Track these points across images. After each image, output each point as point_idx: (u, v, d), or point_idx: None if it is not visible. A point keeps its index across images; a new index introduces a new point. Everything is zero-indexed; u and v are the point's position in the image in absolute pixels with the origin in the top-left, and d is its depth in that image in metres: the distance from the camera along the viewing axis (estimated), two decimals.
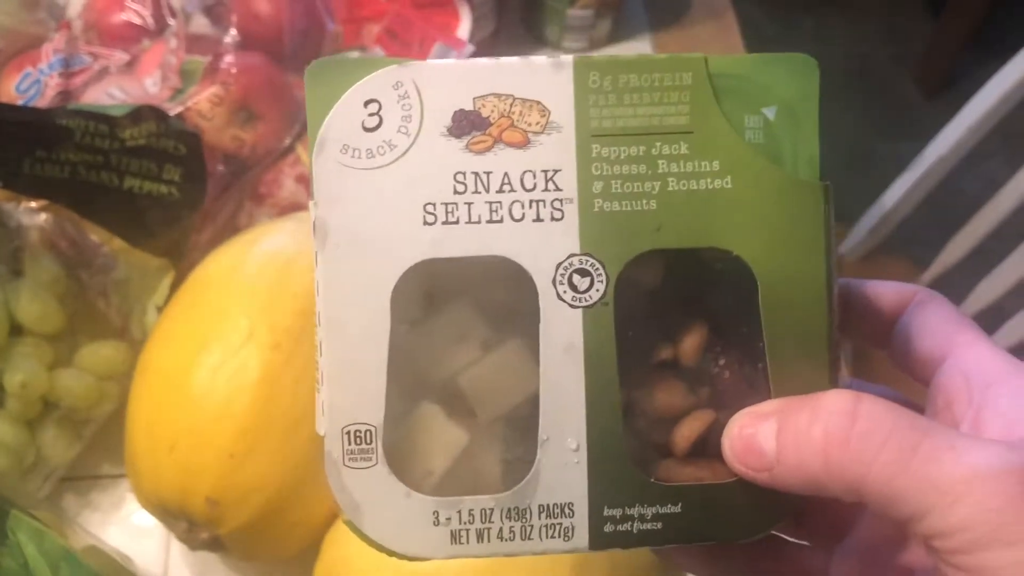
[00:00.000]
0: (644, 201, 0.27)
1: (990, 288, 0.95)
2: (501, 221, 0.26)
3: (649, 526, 0.27)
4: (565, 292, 0.26)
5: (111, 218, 0.52)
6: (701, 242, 0.27)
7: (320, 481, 0.46)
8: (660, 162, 0.27)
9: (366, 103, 0.26)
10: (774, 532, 0.29)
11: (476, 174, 0.26)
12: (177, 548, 0.53)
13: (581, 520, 0.27)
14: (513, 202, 0.26)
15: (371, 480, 0.27)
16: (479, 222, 0.26)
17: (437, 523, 0.27)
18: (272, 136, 0.60)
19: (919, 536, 0.23)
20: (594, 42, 0.77)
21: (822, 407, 0.25)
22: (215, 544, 0.46)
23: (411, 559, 0.27)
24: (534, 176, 0.26)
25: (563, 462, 0.27)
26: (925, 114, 1.77)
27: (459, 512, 0.27)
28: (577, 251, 0.26)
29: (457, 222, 0.26)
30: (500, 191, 0.26)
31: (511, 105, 0.26)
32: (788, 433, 0.25)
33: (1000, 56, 0.89)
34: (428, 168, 0.26)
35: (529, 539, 0.27)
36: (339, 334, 0.26)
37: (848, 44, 1.92)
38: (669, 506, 0.27)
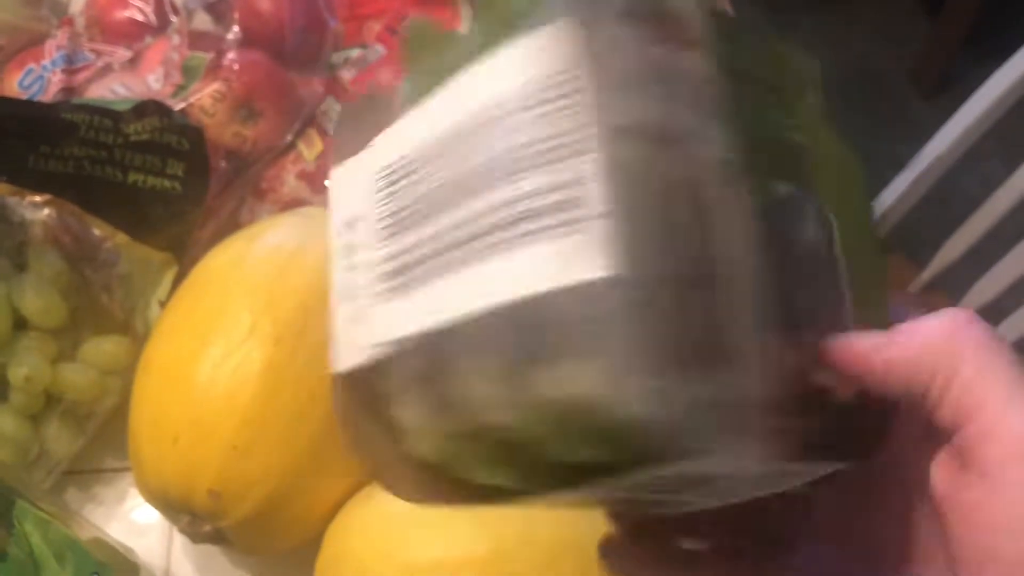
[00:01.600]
0: None
1: (988, 287, 0.95)
2: None
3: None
4: None
5: (114, 213, 0.52)
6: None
7: (322, 473, 0.47)
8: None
9: None
10: None
11: None
12: (179, 541, 0.53)
13: None
14: None
15: None
16: None
17: None
18: (274, 133, 0.61)
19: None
20: None
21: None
22: (217, 537, 0.47)
23: None
24: None
25: None
26: (922, 114, 1.78)
27: None
28: None
29: None
30: None
31: None
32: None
33: (997, 56, 0.89)
34: None
35: None
36: None
37: (845, 45, 1.93)
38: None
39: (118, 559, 0.46)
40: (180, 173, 0.52)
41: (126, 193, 0.52)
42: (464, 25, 0.66)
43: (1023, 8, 1.72)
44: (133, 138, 0.51)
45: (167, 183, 0.52)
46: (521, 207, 0.23)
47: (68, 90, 0.60)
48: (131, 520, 0.54)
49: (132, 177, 0.52)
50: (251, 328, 0.46)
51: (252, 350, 0.45)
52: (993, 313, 0.95)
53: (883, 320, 0.27)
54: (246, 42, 0.61)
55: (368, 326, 0.26)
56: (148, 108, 0.51)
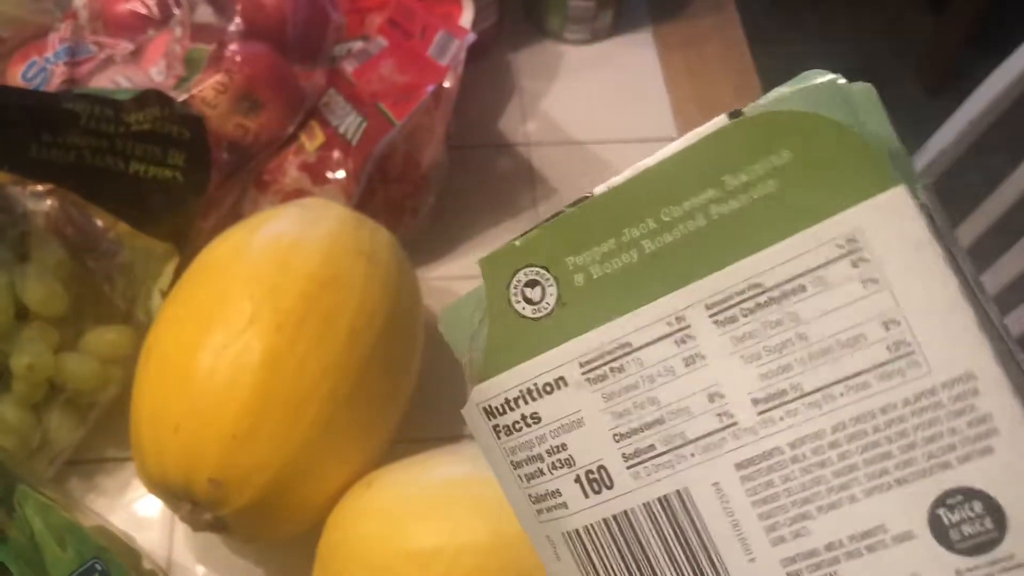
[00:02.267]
0: None
1: (992, 281, 0.95)
2: None
3: None
4: None
5: (116, 203, 0.52)
6: None
7: (323, 461, 0.47)
8: None
9: None
10: None
11: None
12: (181, 530, 0.54)
13: None
14: None
15: None
16: None
17: None
18: (276, 124, 0.61)
19: None
20: (596, 34, 0.77)
21: None
22: (218, 525, 0.47)
23: None
24: None
25: None
26: (927, 110, 1.78)
27: None
28: None
29: None
30: None
31: None
32: None
33: (1002, 52, 0.89)
34: None
35: None
36: None
37: (851, 41, 1.92)
38: None
39: (120, 545, 0.46)
40: (181, 163, 0.53)
41: (127, 183, 0.52)
42: (466, 16, 0.66)
43: None
44: (134, 128, 0.51)
45: (168, 173, 0.53)
46: None
47: (71, 82, 0.61)
48: (133, 510, 0.54)
49: (133, 167, 0.52)
50: (252, 317, 0.46)
51: (252, 339, 0.45)
52: (998, 308, 0.94)
53: None
54: (248, 34, 0.61)
55: None
56: (149, 98, 0.51)
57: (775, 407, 0.22)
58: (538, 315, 0.24)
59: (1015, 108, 0.88)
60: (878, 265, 0.21)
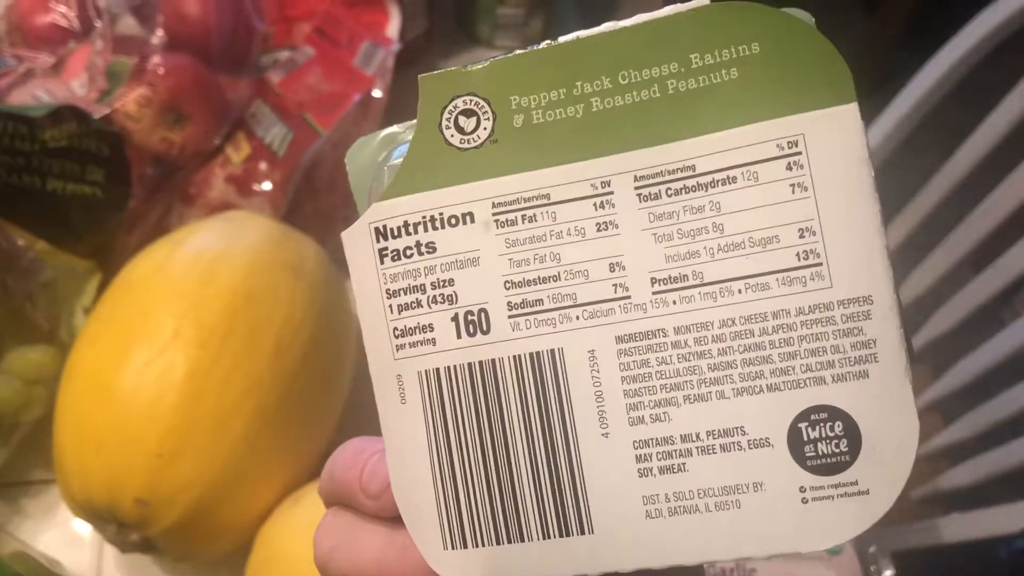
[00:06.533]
0: None
1: (920, 280, 0.96)
2: None
3: None
4: None
5: (35, 221, 0.51)
6: None
7: (250, 479, 0.46)
8: None
9: None
10: None
11: None
12: (110, 552, 0.53)
13: None
14: None
15: None
16: None
17: None
18: (201, 137, 0.60)
19: None
20: (527, 41, 0.78)
21: None
22: (146, 545, 0.46)
23: None
24: None
25: None
26: (862, 110, 1.80)
27: None
28: None
29: None
30: None
31: None
32: None
33: (936, 50, 0.91)
34: None
35: None
36: None
37: None
38: None
39: (42, 571, 0.45)
40: (100, 179, 0.52)
41: (46, 200, 0.51)
42: (392, 26, 0.65)
43: (960, 5, 1.75)
44: (51, 144, 0.50)
45: (87, 189, 0.52)
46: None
47: None
48: (60, 533, 0.53)
49: (51, 184, 0.51)
50: (175, 333, 0.45)
51: (176, 355, 0.45)
52: (926, 305, 0.96)
53: None
54: (172, 45, 0.61)
55: None
56: (65, 114, 0.50)
57: (672, 290, 0.22)
58: (465, 146, 0.23)
59: (943, 104, 0.90)
60: (811, 173, 0.22)
